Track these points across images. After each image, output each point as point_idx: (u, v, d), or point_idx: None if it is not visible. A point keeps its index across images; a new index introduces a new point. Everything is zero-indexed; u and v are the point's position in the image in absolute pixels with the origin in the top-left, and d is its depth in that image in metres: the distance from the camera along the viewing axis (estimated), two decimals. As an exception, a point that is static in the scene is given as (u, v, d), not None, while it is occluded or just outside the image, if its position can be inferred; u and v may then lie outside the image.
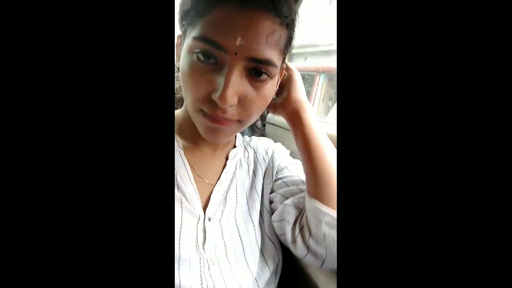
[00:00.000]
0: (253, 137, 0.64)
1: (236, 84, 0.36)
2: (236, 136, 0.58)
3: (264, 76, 0.37)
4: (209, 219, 0.45)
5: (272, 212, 0.54)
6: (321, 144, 0.48)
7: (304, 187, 0.51)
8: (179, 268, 0.39)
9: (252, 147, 0.59)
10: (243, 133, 0.70)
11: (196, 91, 0.37)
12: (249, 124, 0.45)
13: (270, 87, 0.40)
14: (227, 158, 0.53)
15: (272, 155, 0.58)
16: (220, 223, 0.46)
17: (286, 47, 0.40)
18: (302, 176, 0.54)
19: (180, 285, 0.38)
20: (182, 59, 0.40)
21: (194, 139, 0.49)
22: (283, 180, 0.54)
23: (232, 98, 0.36)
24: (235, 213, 0.48)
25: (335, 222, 0.44)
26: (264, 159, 0.57)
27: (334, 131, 0.69)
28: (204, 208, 0.45)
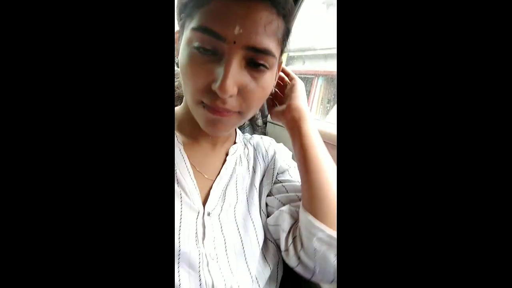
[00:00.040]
0: (254, 135, 0.62)
1: (236, 74, 0.35)
2: (236, 132, 0.57)
3: (262, 67, 0.37)
4: (209, 214, 0.44)
5: (268, 215, 0.52)
6: (319, 157, 0.46)
7: None
8: (178, 262, 0.39)
9: (252, 144, 0.58)
10: (243, 130, 0.69)
11: (195, 82, 0.37)
12: (249, 117, 0.43)
13: (269, 78, 0.40)
14: (227, 154, 0.52)
15: (274, 156, 0.57)
16: (219, 219, 0.45)
17: (283, 39, 0.40)
18: None
19: (179, 279, 0.38)
20: (181, 52, 0.39)
21: (194, 135, 0.48)
22: (283, 184, 0.53)
23: (232, 88, 0.35)
24: (234, 209, 0.47)
25: (327, 238, 0.42)
26: (263, 158, 0.56)
27: (333, 130, 0.68)
28: (204, 203, 0.45)
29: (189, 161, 0.46)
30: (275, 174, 0.55)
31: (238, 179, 0.51)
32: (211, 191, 0.47)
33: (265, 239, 0.50)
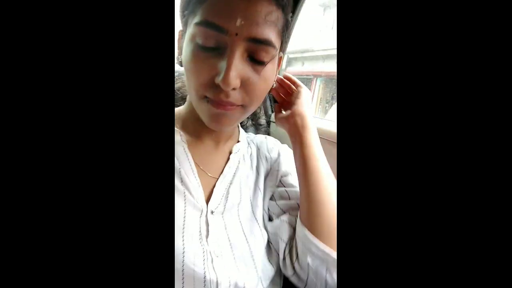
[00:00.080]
0: (258, 135, 0.59)
1: (238, 66, 0.35)
2: (239, 131, 0.56)
3: (263, 59, 0.37)
4: (212, 212, 0.42)
5: (268, 218, 0.52)
6: (319, 170, 0.44)
7: None
8: (183, 260, 0.38)
9: (255, 144, 0.56)
10: (247, 130, 0.68)
11: (199, 77, 0.36)
12: (252, 110, 0.41)
13: (270, 70, 0.39)
14: (230, 153, 0.51)
15: (278, 158, 0.54)
16: (222, 217, 0.44)
17: (283, 30, 0.39)
18: None
19: (183, 277, 0.38)
20: (184, 49, 0.38)
21: (197, 133, 0.47)
22: (286, 189, 0.50)
23: (235, 80, 0.34)
24: (238, 208, 0.45)
25: (320, 254, 0.41)
26: (267, 159, 0.55)
27: (331, 128, 0.68)
28: (207, 201, 0.45)
29: (193, 159, 0.46)
30: (279, 176, 0.53)
31: (242, 178, 0.49)
32: (214, 189, 0.45)
33: (268, 239, 0.49)
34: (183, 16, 0.39)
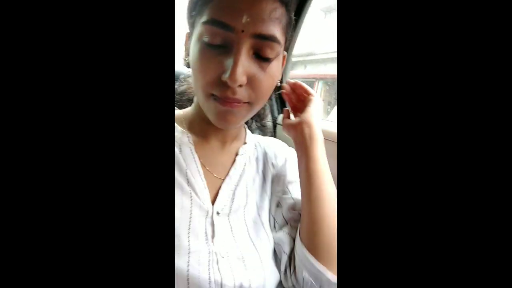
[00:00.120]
0: (266, 137, 0.58)
1: (245, 63, 0.35)
2: (246, 132, 0.55)
3: (269, 56, 0.37)
4: (217, 213, 0.41)
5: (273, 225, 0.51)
6: (323, 186, 0.42)
7: None
8: (188, 260, 0.37)
9: (262, 147, 0.53)
10: (253, 132, 0.66)
11: (206, 75, 0.36)
12: (258, 108, 0.41)
13: (276, 67, 0.39)
14: (237, 154, 0.51)
15: (285, 164, 0.52)
16: (228, 219, 0.43)
17: (287, 28, 0.39)
18: None
19: (188, 277, 0.37)
20: (191, 49, 0.38)
21: (204, 134, 0.46)
22: (292, 197, 0.48)
23: (241, 77, 0.34)
24: (244, 211, 0.44)
25: (315, 271, 0.40)
26: (273, 164, 0.52)
27: (334, 129, 0.68)
28: (213, 202, 0.44)
29: (200, 160, 0.45)
30: (286, 183, 0.51)
31: (248, 181, 0.48)
32: (220, 190, 0.44)
33: (274, 243, 0.48)
34: (190, 17, 0.39)
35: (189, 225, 0.38)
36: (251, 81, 0.36)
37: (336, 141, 0.59)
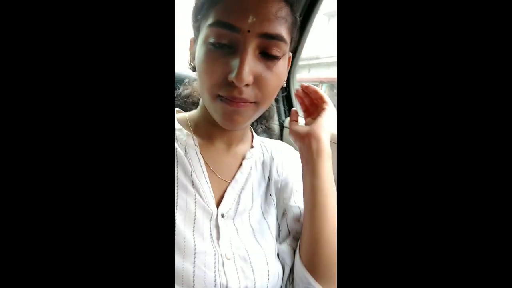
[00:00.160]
0: (273, 140, 0.57)
1: (251, 63, 0.34)
2: (252, 135, 0.52)
3: (275, 55, 0.36)
4: (222, 216, 0.41)
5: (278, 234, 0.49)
6: (327, 206, 0.41)
7: None
8: (194, 261, 0.36)
9: (269, 151, 0.53)
10: (259, 135, 0.63)
11: (212, 76, 0.36)
12: (264, 108, 0.40)
13: (282, 67, 0.38)
14: (243, 158, 0.48)
15: (292, 170, 0.51)
16: (233, 222, 0.42)
17: (292, 28, 0.38)
18: None
19: (194, 278, 0.36)
20: (197, 51, 0.38)
21: (209, 136, 0.45)
22: (299, 206, 0.47)
23: (248, 76, 0.34)
24: (249, 214, 0.44)
25: None
26: (280, 169, 0.51)
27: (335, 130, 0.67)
28: (218, 205, 0.44)
29: (205, 163, 0.45)
30: (293, 191, 0.50)
31: (254, 185, 0.47)
32: (226, 193, 0.43)
33: (278, 248, 0.47)
34: (195, 21, 0.39)
35: (194, 226, 0.38)
36: (258, 81, 0.35)
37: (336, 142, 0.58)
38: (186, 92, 0.53)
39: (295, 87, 0.93)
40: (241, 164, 0.46)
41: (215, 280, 0.36)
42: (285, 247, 0.44)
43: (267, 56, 0.35)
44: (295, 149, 0.52)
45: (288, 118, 0.58)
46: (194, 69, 0.42)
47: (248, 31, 0.33)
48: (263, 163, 0.49)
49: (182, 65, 0.50)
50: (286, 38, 0.36)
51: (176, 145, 0.42)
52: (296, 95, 0.48)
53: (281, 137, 0.90)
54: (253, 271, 0.39)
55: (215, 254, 0.37)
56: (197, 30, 0.39)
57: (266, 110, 0.50)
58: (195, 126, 0.45)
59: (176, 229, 0.36)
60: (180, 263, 0.35)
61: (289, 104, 0.93)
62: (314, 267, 0.40)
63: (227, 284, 0.37)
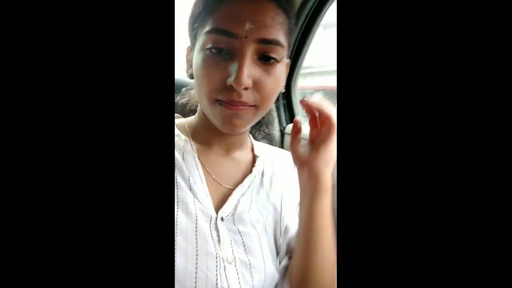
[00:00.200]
0: (274, 148, 0.55)
1: (249, 67, 0.34)
2: (252, 143, 0.52)
3: (272, 60, 0.36)
4: (222, 219, 0.40)
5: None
6: (321, 247, 0.38)
7: None
8: (196, 262, 0.36)
9: (270, 159, 0.51)
10: (256, 139, 0.61)
11: (211, 82, 0.35)
12: (264, 111, 0.40)
13: (280, 71, 0.38)
14: (244, 163, 0.47)
15: (294, 182, 0.47)
16: (233, 226, 0.41)
17: (288, 33, 0.38)
18: None
19: (196, 281, 0.35)
20: (195, 58, 0.38)
21: (207, 141, 0.45)
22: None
23: (247, 79, 0.34)
24: (247, 219, 0.43)
25: None
26: (281, 178, 0.50)
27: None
28: (217, 209, 0.43)
29: (202, 168, 0.44)
30: (296, 205, 0.48)
31: (253, 191, 0.46)
32: (230, 197, 0.42)
33: (277, 252, 0.46)
34: (192, 29, 0.39)
35: (196, 228, 0.37)
36: (257, 84, 0.35)
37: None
38: (183, 100, 0.53)
39: (296, 95, 0.93)
40: (250, 170, 0.46)
41: (217, 283, 0.36)
42: (281, 268, 0.43)
43: (265, 60, 0.35)
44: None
45: (290, 125, 0.56)
46: (191, 77, 0.42)
47: (246, 37, 0.33)
48: (263, 171, 0.48)
49: (179, 74, 0.49)
50: (283, 43, 0.36)
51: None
52: (301, 103, 0.43)
53: (281, 144, 0.89)
54: (252, 276, 0.39)
55: (217, 257, 0.37)
56: (194, 38, 0.39)
57: (265, 116, 0.49)
58: (194, 132, 0.45)
59: (178, 230, 0.36)
60: (182, 264, 0.34)
61: (290, 111, 0.93)
62: None
63: None
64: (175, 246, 0.34)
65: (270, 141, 0.71)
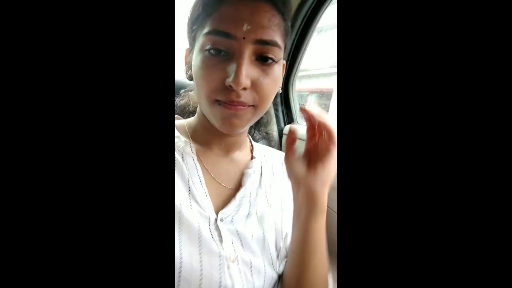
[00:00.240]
0: (274, 150, 0.55)
1: (248, 67, 0.34)
2: (252, 145, 0.52)
3: (270, 60, 0.36)
4: (221, 220, 0.40)
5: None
6: (313, 261, 0.38)
7: None
8: (201, 260, 0.35)
9: (269, 160, 0.51)
10: (258, 141, 0.60)
11: (210, 82, 0.35)
12: (262, 111, 0.40)
13: (278, 72, 0.38)
14: (246, 167, 0.47)
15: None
16: (232, 226, 0.41)
17: (285, 34, 0.38)
18: None
19: (201, 280, 0.35)
20: (194, 60, 0.38)
21: (207, 142, 0.44)
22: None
23: (245, 80, 0.34)
24: (246, 220, 0.42)
25: None
26: (280, 180, 0.50)
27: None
28: (217, 209, 0.42)
29: (202, 169, 0.43)
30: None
31: (252, 192, 0.46)
32: (233, 199, 0.42)
33: (276, 255, 0.46)
34: (191, 31, 0.39)
35: (199, 228, 0.37)
36: (255, 85, 0.35)
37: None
38: (182, 102, 0.53)
39: (294, 96, 0.94)
40: (244, 173, 0.45)
41: (220, 282, 0.35)
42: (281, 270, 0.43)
43: (262, 61, 0.36)
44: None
45: (288, 126, 0.56)
46: (190, 78, 0.41)
47: (244, 38, 0.33)
48: (262, 173, 0.48)
49: (178, 75, 0.49)
50: (280, 44, 0.36)
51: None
52: (302, 112, 0.40)
53: (280, 145, 0.90)
54: (252, 275, 0.38)
55: (219, 256, 0.36)
56: (193, 40, 0.39)
57: (264, 117, 0.49)
58: (193, 133, 0.45)
59: (183, 229, 0.36)
60: (189, 261, 0.34)
61: (288, 113, 0.94)
62: None
63: (232, 287, 0.36)
64: (181, 245, 0.34)
65: (269, 141, 0.71)
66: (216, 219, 0.39)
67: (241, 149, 0.48)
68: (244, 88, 0.34)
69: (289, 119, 0.93)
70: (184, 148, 0.42)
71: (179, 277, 0.33)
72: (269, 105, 0.40)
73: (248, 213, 0.42)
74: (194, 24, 0.38)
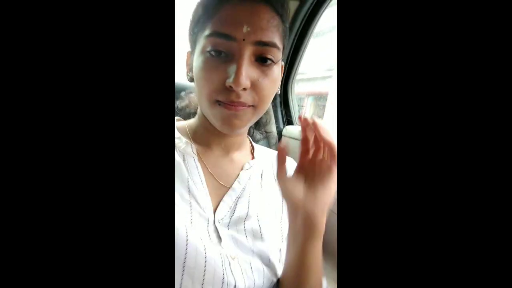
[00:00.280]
0: (274, 152, 0.54)
1: (247, 68, 0.35)
2: (253, 146, 0.51)
3: (269, 61, 0.36)
4: (219, 222, 0.40)
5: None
6: (309, 281, 0.37)
7: None
8: (205, 255, 0.35)
9: (270, 163, 0.50)
10: (257, 143, 0.59)
11: (210, 83, 0.36)
12: (262, 111, 0.40)
13: (277, 73, 0.39)
14: (242, 168, 0.46)
15: None
16: (228, 228, 0.40)
17: (283, 36, 0.39)
18: None
19: (204, 280, 0.34)
20: (195, 61, 0.38)
21: (207, 143, 0.44)
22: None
23: (245, 80, 0.34)
24: (244, 222, 0.41)
25: None
26: (276, 186, 0.48)
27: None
28: (215, 210, 0.42)
29: (203, 169, 0.42)
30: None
31: (251, 194, 0.44)
32: (222, 201, 0.41)
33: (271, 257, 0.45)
34: (192, 34, 0.39)
35: (200, 228, 0.37)
36: (254, 85, 0.35)
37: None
38: (183, 104, 0.52)
39: (294, 98, 0.94)
40: (238, 175, 0.45)
41: (223, 278, 0.35)
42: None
43: (262, 62, 0.36)
44: (296, 161, 0.44)
45: (287, 127, 0.56)
46: (191, 80, 0.41)
47: (244, 40, 0.34)
48: (262, 174, 0.47)
49: (178, 78, 0.49)
50: (279, 45, 0.36)
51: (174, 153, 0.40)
52: (302, 121, 0.35)
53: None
54: (253, 273, 0.38)
55: (220, 253, 0.36)
56: (194, 42, 0.39)
57: (263, 117, 0.49)
58: (194, 133, 0.44)
59: (186, 228, 0.35)
60: (193, 256, 0.34)
61: (287, 114, 0.94)
62: None
63: (235, 284, 0.35)
64: (187, 243, 0.34)
65: (269, 142, 0.71)
66: (214, 219, 0.39)
67: (241, 149, 0.47)
68: (244, 89, 0.35)
69: (288, 120, 0.93)
70: (185, 149, 0.42)
71: (182, 272, 0.33)
72: (268, 105, 0.40)
73: (247, 214, 0.42)
74: (195, 27, 0.38)
